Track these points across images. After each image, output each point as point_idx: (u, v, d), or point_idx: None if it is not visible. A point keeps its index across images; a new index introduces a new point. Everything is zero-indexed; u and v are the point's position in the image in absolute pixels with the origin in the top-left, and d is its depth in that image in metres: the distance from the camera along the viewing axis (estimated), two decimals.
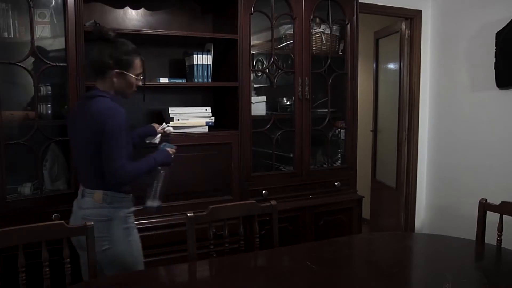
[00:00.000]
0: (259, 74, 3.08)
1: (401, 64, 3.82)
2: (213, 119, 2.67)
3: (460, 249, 1.88)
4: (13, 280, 1.67)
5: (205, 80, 2.66)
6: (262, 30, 2.91)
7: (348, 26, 3.05)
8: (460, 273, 1.60)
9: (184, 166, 2.54)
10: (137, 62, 1.87)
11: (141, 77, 1.93)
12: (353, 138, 3.14)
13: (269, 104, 3.03)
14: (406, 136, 3.86)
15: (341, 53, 3.14)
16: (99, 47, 1.83)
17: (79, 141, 1.81)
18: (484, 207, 2.00)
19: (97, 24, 2.43)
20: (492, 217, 1.97)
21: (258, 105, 2.91)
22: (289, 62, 3.00)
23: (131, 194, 1.87)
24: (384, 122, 4.21)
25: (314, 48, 2.98)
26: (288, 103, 3.06)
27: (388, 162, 4.10)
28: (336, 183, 3.07)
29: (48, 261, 1.60)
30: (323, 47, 3.03)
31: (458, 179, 3.57)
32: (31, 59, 2.18)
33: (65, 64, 2.21)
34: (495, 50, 3.11)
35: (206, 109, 2.67)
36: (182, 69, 2.78)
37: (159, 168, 1.89)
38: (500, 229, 1.92)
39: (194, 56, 2.62)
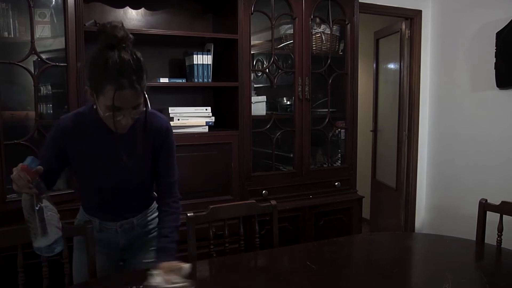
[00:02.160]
0: (259, 74, 3.08)
1: (401, 64, 3.82)
2: (213, 119, 2.67)
3: (460, 249, 1.88)
4: (13, 280, 1.67)
5: (205, 80, 2.66)
6: (262, 30, 2.91)
7: (348, 26, 3.05)
8: (460, 273, 1.60)
9: (184, 166, 2.54)
10: (109, 90, 1.26)
11: (116, 114, 1.31)
12: (353, 138, 3.14)
13: (269, 104, 3.03)
14: (406, 136, 3.86)
15: (341, 53, 3.14)
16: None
17: None
18: (484, 207, 2.00)
19: (97, 24, 2.44)
20: (492, 217, 1.97)
21: (258, 105, 2.91)
22: (289, 62, 3.00)
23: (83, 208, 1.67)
24: (384, 122, 4.21)
25: (314, 48, 2.98)
26: (288, 103, 3.06)
27: (388, 162, 4.10)
28: (336, 183, 3.07)
29: (47, 261, 1.60)
30: (323, 47, 3.03)
31: (458, 179, 3.57)
32: (31, 59, 2.18)
33: (65, 64, 2.21)
34: (495, 50, 3.11)
35: (206, 109, 2.67)
36: (182, 69, 2.78)
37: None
38: (500, 229, 1.92)
39: (194, 56, 2.62)
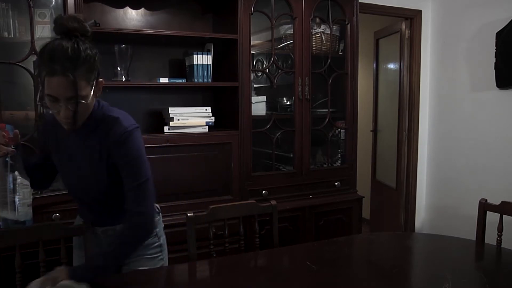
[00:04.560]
0: (259, 74, 3.08)
1: (401, 64, 3.82)
2: (213, 119, 2.67)
3: (460, 249, 1.88)
4: (10, 280, 1.67)
5: (205, 80, 2.66)
6: (262, 30, 2.91)
7: (348, 26, 3.05)
8: (460, 273, 1.60)
9: (184, 166, 2.55)
10: (43, 77, 1.23)
11: (54, 105, 1.26)
12: (353, 138, 3.14)
13: (269, 104, 3.03)
14: (406, 136, 3.86)
15: (341, 53, 3.14)
16: None
17: None
18: (484, 207, 1.99)
19: (97, 24, 2.44)
20: (492, 217, 1.97)
21: (258, 105, 2.91)
22: (289, 62, 3.00)
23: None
24: (384, 122, 4.21)
25: (314, 48, 2.98)
26: (288, 103, 3.06)
27: (388, 162, 4.10)
28: (336, 183, 3.07)
29: (46, 262, 1.60)
30: (323, 47, 3.03)
31: (458, 179, 3.57)
32: (31, 59, 2.18)
33: None
34: (495, 50, 3.11)
35: (206, 109, 2.67)
36: (182, 69, 2.78)
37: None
38: (500, 229, 1.92)
39: (194, 56, 2.62)
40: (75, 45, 1.24)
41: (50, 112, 1.31)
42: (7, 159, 1.26)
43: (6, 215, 1.27)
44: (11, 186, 1.26)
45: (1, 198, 1.26)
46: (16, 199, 1.27)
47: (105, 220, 1.56)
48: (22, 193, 1.28)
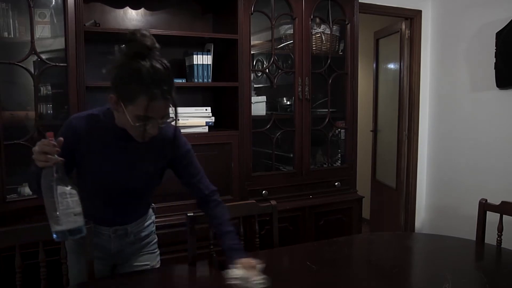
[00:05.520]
0: (259, 74, 3.08)
1: (401, 64, 3.82)
2: (213, 119, 2.67)
3: (460, 249, 1.88)
4: (11, 280, 1.67)
5: (205, 80, 2.66)
6: (262, 30, 2.91)
7: (348, 26, 3.05)
8: (460, 273, 1.60)
9: None
10: (142, 100, 1.24)
11: (146, 125, 1.30)
12: (353, 138, 3.14)
13: (269, 104, 3.03)
14: (406, 136, 3.86)
15: (341, 53, 3.14)
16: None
17: None
18: (484, 207, 1.99)
19: (97, 24, 2.44)
20: (492, 217, 1.97)
21: (258, 105, 2.92)
22: (289, 62, 3.00)
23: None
24: (384, 122, 4.21)
25: (314, 48, 2.98)
26: (288, 103, 3.07)
27: (388, 162, 4.10)
28: (336, 183, 3.07)
29: (46, 262, 1.60)
30: (323, 47, 3.03)
31: (458, 179, 3.57)
32: (31, 59, 2.18)
33: (65, 64, 2.21)
34: (495, 50, 3.11)
35: (206, 109, 2.67)
36: (182, 69, 2.78)
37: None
38: (500, 229, 1.92)
39: (194, 56, 2.62)
40: (165, 66, 1.28)
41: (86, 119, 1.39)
42: (54, 173, 1.19)
43: (58, 228, 1.21)
44: (58, 197, 1.19)
45: (50, 212, 1.19)
46: (64, 210, 1.20)
47: (120, 220, 1.59)
48: (66, 203, 1.20)
